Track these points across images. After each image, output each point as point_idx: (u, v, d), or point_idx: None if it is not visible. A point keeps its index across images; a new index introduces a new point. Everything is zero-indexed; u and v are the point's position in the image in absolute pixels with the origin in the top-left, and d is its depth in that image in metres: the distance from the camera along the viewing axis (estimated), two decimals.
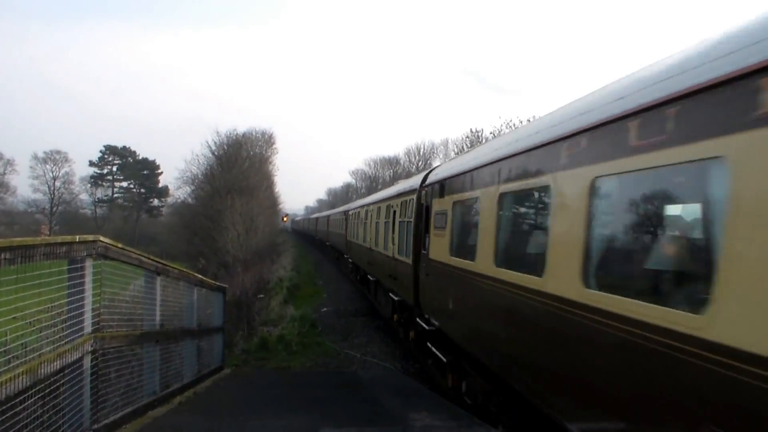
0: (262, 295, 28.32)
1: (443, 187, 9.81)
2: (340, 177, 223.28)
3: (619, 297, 4.00)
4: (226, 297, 14.11)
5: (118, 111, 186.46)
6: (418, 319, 11.34)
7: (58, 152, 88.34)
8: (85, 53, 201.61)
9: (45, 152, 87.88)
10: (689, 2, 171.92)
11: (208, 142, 57.33)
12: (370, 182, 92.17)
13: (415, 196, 12.44)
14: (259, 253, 42.36)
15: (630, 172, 4.08)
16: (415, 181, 13.60)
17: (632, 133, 4.04)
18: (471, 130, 55.52)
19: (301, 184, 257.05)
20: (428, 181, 11.47)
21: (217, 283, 13.36)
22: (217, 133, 58.92)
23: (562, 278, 4.83)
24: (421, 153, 79.45)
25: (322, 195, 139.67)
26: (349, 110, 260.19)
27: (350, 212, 29.25)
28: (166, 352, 8.28)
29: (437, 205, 10.14)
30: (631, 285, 4.17)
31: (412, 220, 12.52)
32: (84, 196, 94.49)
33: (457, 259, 8.40)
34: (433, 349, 10.25)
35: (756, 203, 2.95)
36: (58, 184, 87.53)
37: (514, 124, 36.31)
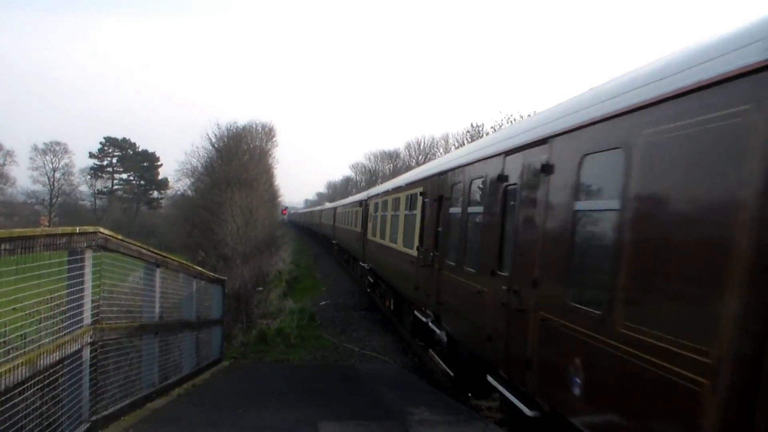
0: (261, 288, 28.37)
1: None
2: (340, 170, 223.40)
3: None
4: (225, 289, 14.10)
5: (117, 103, 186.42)
6: None
7: (58, 143, 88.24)
8: (86, 44, 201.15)
9: (45, 143, 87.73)
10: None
11: (208, 135, 57.11)
12: (370, 176, 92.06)
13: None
14: (259, 246, 42.33)
15: None
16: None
17: None
18: (472, 124, 55.40)
19: (301, 178, 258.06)
20: None
21: (216, 276, 13.36)
22: (218, 125, 58.71)
23: None
24: (421, 147, 79.32)
25: (321, 188, 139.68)
26: (349, 104, 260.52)
27: (370, 200, 19.16)
28: (165, 344, 8.28)
29: None
30: None
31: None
32: (84, 188, 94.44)
33: None
34: None
35: None
36: (57, 175, 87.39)
37: (514, 119, 36.20)
